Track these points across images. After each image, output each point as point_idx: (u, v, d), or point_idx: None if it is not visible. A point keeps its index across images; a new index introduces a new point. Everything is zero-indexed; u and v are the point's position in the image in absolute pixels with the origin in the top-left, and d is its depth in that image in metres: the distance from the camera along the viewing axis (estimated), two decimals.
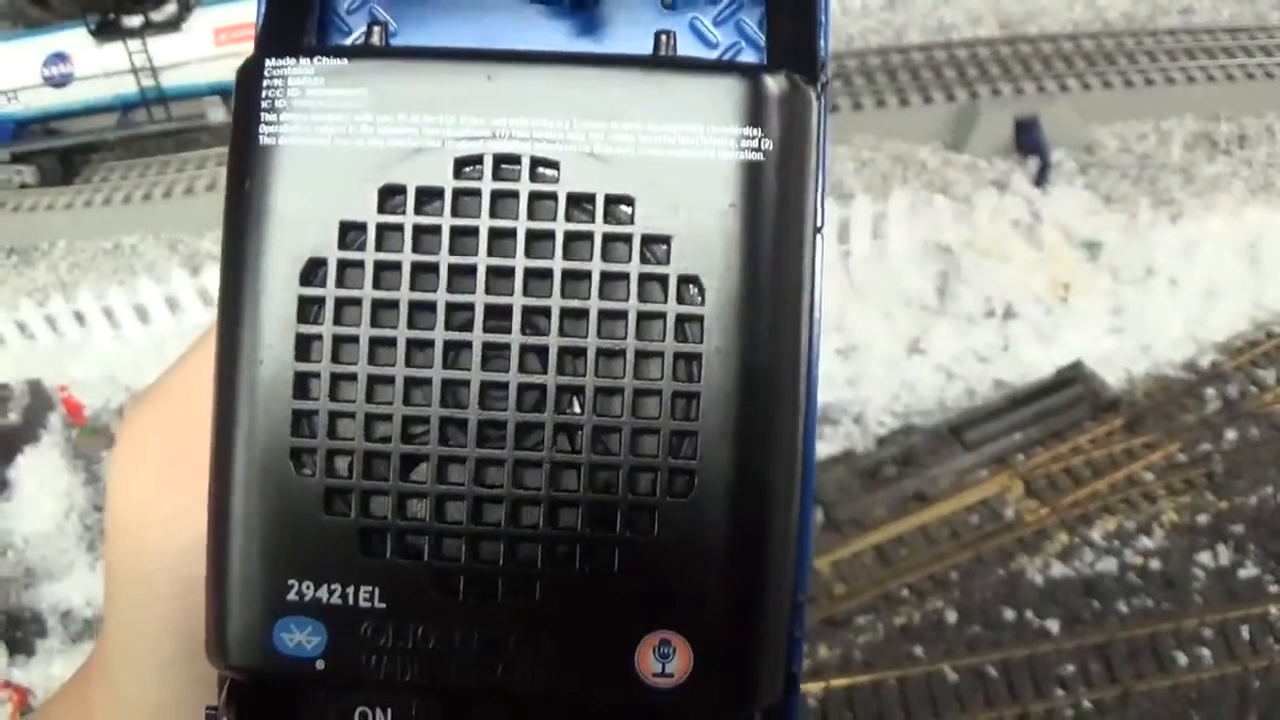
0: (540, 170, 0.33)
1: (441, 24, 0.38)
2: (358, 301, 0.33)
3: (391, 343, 0.33)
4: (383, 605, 0.34)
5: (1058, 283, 4.01)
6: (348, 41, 0.38)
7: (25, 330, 5.30)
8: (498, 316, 0.33)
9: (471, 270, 0.33)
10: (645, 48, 0.35)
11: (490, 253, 0.33)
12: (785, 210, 0.33)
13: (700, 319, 0.32)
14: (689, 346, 0.32)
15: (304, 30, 0.37)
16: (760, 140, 0.32)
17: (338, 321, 0.33)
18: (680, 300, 0.32)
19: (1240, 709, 2.86)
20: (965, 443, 3.34)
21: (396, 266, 0.33)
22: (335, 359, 0.33)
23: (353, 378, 0.33)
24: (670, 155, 0.33)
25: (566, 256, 0.32)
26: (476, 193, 0.33)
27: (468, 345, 0.33)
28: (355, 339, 0.33)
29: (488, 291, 0.33)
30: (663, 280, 0.32)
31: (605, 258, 0.32)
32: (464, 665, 0.34)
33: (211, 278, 5.74)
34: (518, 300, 0.33)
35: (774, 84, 0.33)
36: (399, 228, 0.33)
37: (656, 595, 0.33)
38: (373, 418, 0.33)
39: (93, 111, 6.65)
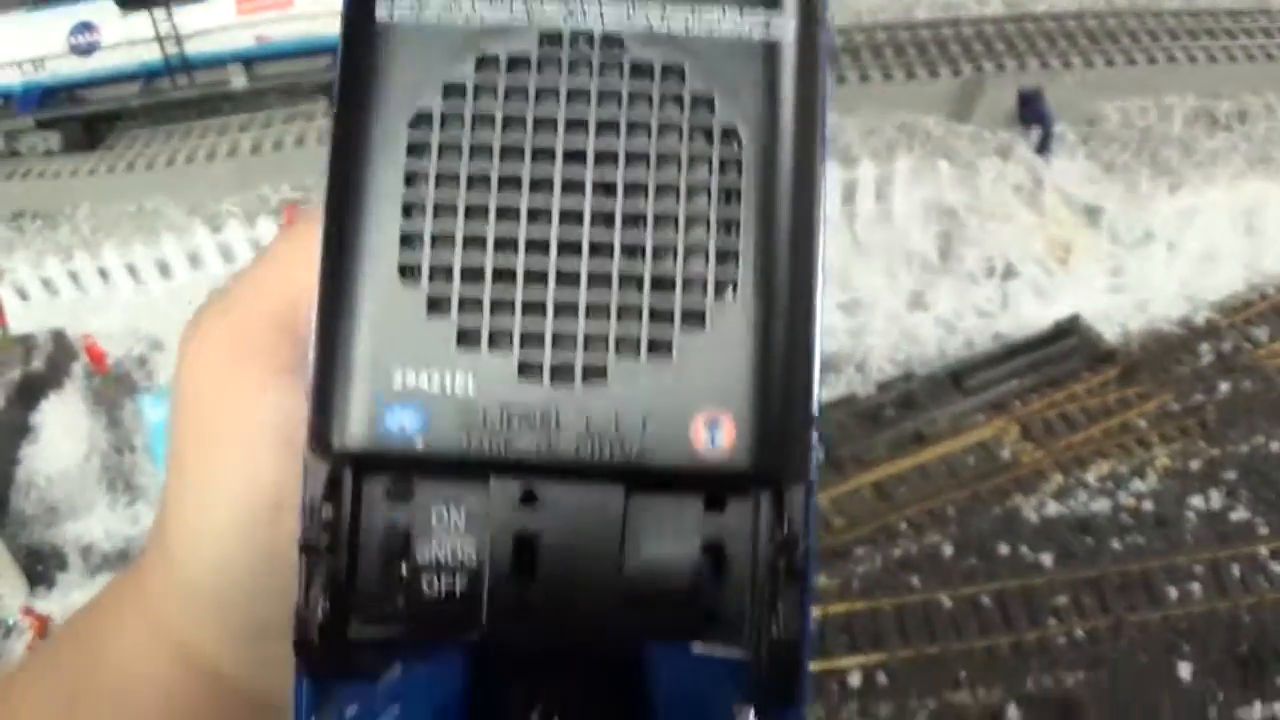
0: (608, 44, 0.40)
1: None
2: (457, 145, 0.39)
3: (485, 178, 0.39)
4: (474, 393, 0.39)
5: (1058, 245, 4.08)
6: None
7: (49, 286, 5.43)
8: (573, 159, 0.39)
9: (552, 121, 0.40)
10: None
11: (567, 109, 0.39)
12: (803, 81, 0.39)
13: (739, 162, 0.39)
14: (730, 182, 0.39)
15: None
16: (784, 24, 0.39)
17: (441, 159, 0.39)
18: (723, 145, 0.39)
19: (1230, 642, 2.93)
20: (964, 388, 3.42)
21: (490, 118, 0.39)
22: (438, 188, 0.39)
23: (452, 204, 0.39)
24: (712, 34, 0.40)
25: (630, 111, 0.39)
26: (557, 60, 0.40)
27: (549, 181, 0.39)
28: (455, 175, 0.39)
29: (565, 138, 0.39)
30: (708, 131, 0.39)
31: (661, 112, 0.39)
32: (543, 442, 0.39)
33: (233, 236, 5.86)
34: (590, 145, 0.39)
35: None
36: (493, 88, 0.39)
37: (708, 380, 0.39)
38: (469, 238, 0.39)
39: (117, 80, 6.78)
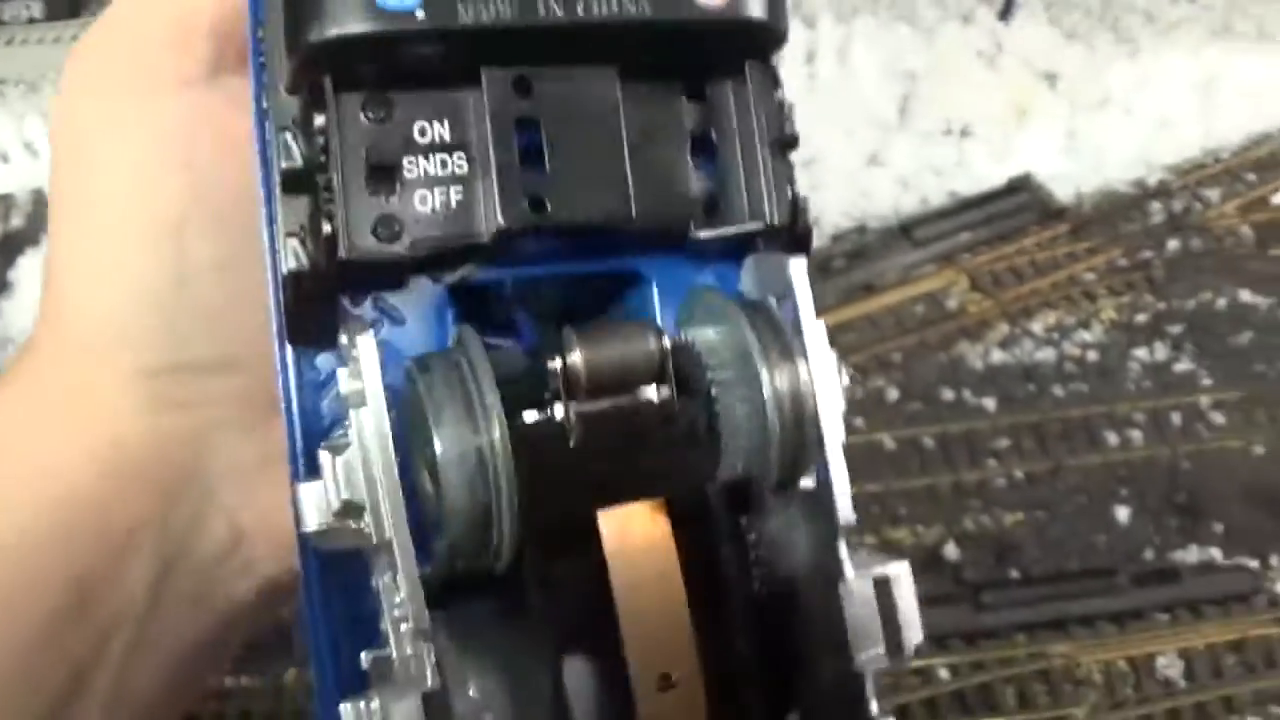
0: None
1: None
2: None
3: None
4: None
5: (1015, 107, 4.05)
6: None
7: (30, 148, 5.31)
8: None
9: None
10: None
11: None
12: None
13: None
14: None
15: None
16: None
17: None
18: None
19: (1168, 488, 2.97)
20: (914, 240, 3.41)
21: None
22: None
23: None
24: None
25: None
26: None
27: None
28: None
29: None
30: None
31: None
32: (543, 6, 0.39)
33: None
34: None
35: None
36: None
37: None
38: None
39: None
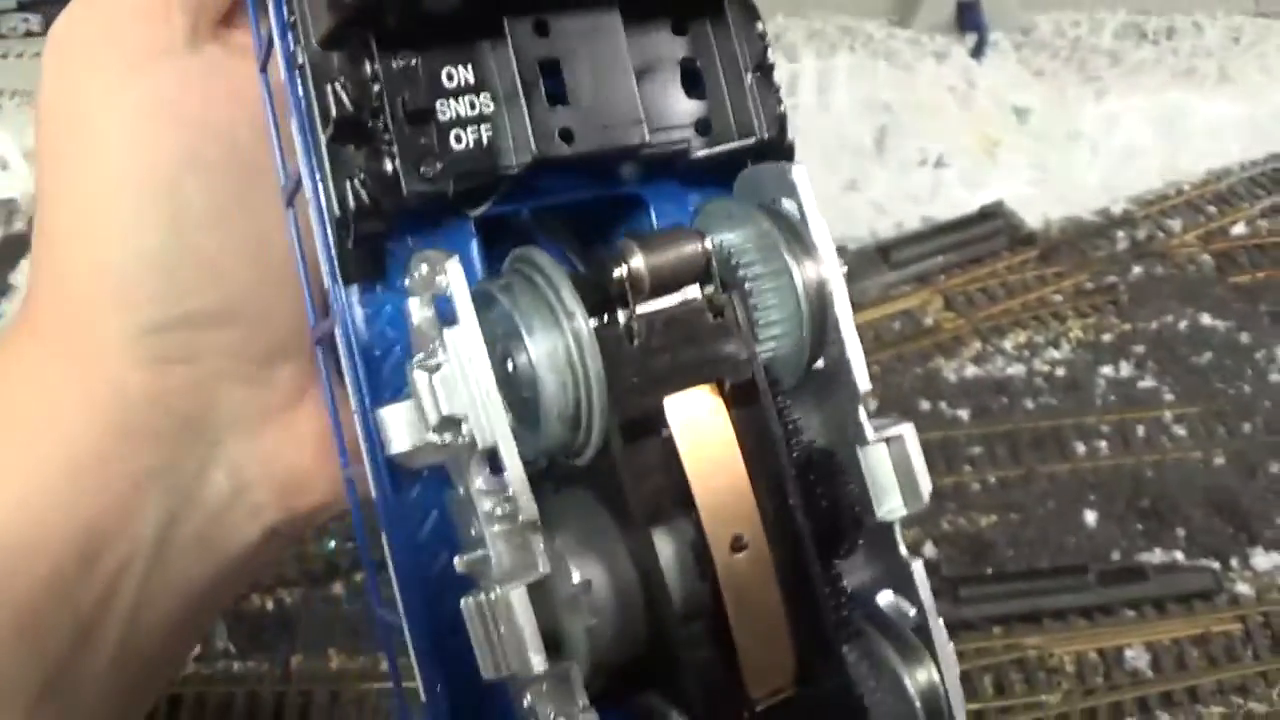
0: None
1: None
2: None
3: None
4: None
5: (987, 140, 4.21)
6: None
7: (30, 157, 5.39)
8: None
9: None
10: None
11: None
12: None
13: None
14: None
15: None
16: None
17: None
18: None
19: (1134, 494, 3.07)
20: (891, 262, 3.54)
21: None
22: None
23: None
24: None
25: None
26: None
27: None
28: None
29: None
30: None
31: None
32: None
33: None
34: None
35: None
36: None
37: None
38: None
39: None
